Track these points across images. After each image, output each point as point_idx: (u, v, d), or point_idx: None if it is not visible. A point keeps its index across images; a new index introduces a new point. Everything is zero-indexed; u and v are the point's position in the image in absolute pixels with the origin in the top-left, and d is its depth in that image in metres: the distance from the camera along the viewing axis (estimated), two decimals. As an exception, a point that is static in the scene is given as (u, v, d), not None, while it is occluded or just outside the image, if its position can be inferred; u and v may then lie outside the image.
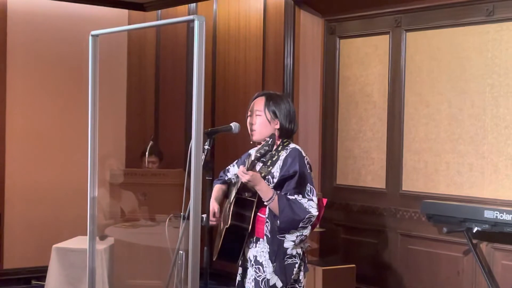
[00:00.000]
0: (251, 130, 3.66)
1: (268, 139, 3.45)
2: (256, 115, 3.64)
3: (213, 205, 3.70)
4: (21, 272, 6.83)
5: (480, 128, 5.12)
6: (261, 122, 3.62)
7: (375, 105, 5.87)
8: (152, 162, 6.68)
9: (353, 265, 5.64)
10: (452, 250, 5.24)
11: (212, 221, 3.67)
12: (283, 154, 3.57)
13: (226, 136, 5.72)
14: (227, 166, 3.93)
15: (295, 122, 3.69)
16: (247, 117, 3.69)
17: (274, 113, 3.62)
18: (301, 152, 3.57)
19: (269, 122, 3.61)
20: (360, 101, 6.00)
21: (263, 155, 3.44)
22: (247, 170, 3.44)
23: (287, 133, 3.66)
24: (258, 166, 3.59)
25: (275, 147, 3.58)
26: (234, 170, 3.82)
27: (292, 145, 3.61)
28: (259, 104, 3.65)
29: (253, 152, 3.59)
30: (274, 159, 3.57)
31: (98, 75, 3.32)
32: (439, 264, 5.34)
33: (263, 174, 3.52)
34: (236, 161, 3.88)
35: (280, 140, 3.64)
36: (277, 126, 3.62)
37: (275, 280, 3.49)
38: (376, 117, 5.85)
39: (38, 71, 6.94)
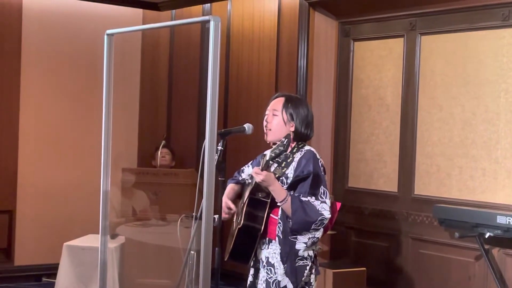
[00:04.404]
0: (266, 129, 3.66)
1: (284, 139, 3.44)
2: (273, 114, 3.65)
3: (225, 200, 3.70)
4: (32, 269, 6.85)
5: (494, 133, 5.09)
6: (277, 123, 3.63)
7: (388, 108, 5.85)
8: (166, 153, 6.77)
9: (364, 268, 5.63)
10: (463, 255, 5.22)
11: (226, 215, 3.67)
12: (297, 156, 3.57)
13: (238, 137, 5.71)
14: (241, 167, 3.93)
15: (311, 128, 3.68)
16: (264, 115, 3.69)
17: (291, 116, 3.62)
18: (315, 154, 3.57)
19: (285, 124, 3.62)
20: (373, 104, 5.98)
21: (277, 155, 3.44)
22: (262, 170, 3.45)
23: (301, 137, 3.65)
24: (273, 167, 3.60)
25: (289, 149, 3.58)
26: (249, 171, 3.82)
27: (307, 147, 3.62)
28: (277, 104, 3.66)
29: (268, 152, 3.59)
30: (288, 160, 3.57)
31: (112, 74, 3.33)
32: (450, 268, 5.31)
33: (277, 175, 3.52)
34: (251, 161, 3.89)
35: (295, 142, 3.64)
36: (292, 129, 3.63)
37: (286, 282, 3.49)
38: (389, 120, 5.84)
39: (52, 69, 6.97)
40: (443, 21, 5.44)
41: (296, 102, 3.67)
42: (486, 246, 4.83)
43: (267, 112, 3.69)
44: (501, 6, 5.04)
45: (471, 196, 5.21)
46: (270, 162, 3.50)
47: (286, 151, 3.44)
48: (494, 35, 5.10)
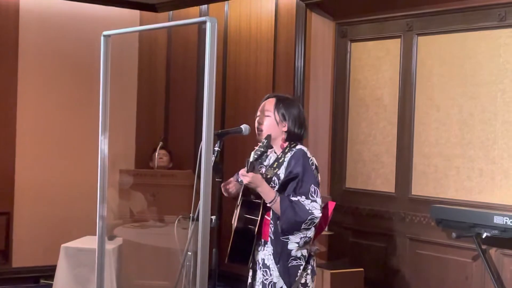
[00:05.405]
0: (258, 130, 3.66)
1: (264, 140, 3.45)
2: (266, 115, 3.64)
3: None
4: (30, 271, 6.84)
5: (491, 133, 5.10)
6: (269, 123, 3.62)
7: (386, 108, 5.86)
8: (163, 154, 6.77)
9: (361, 269, 5.63)
10: (461, 255, 5.22)
11: (226, 186, 3.70)
12: (288, 156, 3.57)
13: (235, 138, 5.71)
14: (239, 168, 3.93)
15: (304, 128, 3.67)
16: (256, 116, 3.69)
17: (283, 116, 3.62)
18: (306, 152, 3.56)
19: (277, 124, 3.62)
20: (370, 104, 5.99)
21: (260, 156, 3.44)
22: (247, 171, 3.44)
23: (294, 138, 3.64)
24: (264, 168, 3.61)
25: (281, 149, 3.59)
26: None
27: (298, 147, 3.60)
28: (269, 105, 3.66)
29: (252, 154, 3.59)
30: (280, 161, 3.58)
31: (109, 75, 3.33)
32: (448, 269, 5.32)
33: (269, 176, 3.53)
34: None
35: (288, 142, 3.64)
36: (285, 129, 3.62)
37: (282, 283, 3.48)
38: (387, 120, 5.84)
39: (49, 70, 6.97)
40: (439, 22, 5.45)
41: (287, 103, 3.66)
42: (483, 246, 4.82)
43: (258, 113, 3.69)
44: (498, 6, 5.05)
45: (468, 196, 5.22)
46: (254, 163, 3.49)
47: (266, 152, 3.45)
48: (491, 36, 5.11)
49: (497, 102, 5.07)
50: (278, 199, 3.44)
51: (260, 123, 3.65)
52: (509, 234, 4.50)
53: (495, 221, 4.54)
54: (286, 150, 3.60)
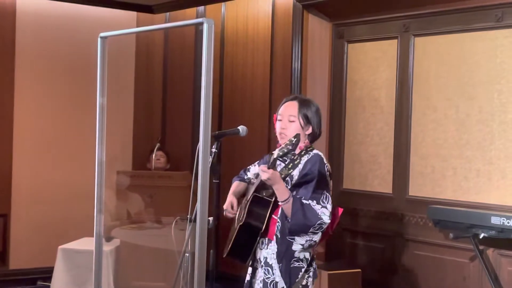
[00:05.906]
0: (282, 134, 3.64)
1: (293, 138, 3.43)
2: (290, 120, 3.63)
3: (231, 198, 3.72)
4: (27, 273, 6.83)
5: (488, 133, 5.10)
6: (295, 128, 3.61)
7: (383, 109, 5.86)
8: (161, 156, 6.77)
9: (359, 270, 5.63)
10: (458, 256, 5.23)
11: (230, 214, 3.69)
12: (304, 159, 3.58)
13: (233, 139, 5.72)
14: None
15: (321, 125, 3.71)
16: (277, 120, 3.68)
17: (308, 119, 3.62)
18: (322, 158, 3.58)
19: (302, 128, 3.62)
20: (367, 105, 5.99)
21: (285, 154, 3.44)
22: (268, 168, 3.45)
23: (315, 138, 3.68)
24: (280, 167, 3.61)
25: (298, 151, 3.59)
26: (255, 170, 3.84)
27: (315, 151, 3.64)
28: (292, 109, 3.65)
29: (276, 151, 3.59)
30: (295, 162, 3.59)
31: (106, 77, 3.32)
32: (445, 269, 5.32)
33: (282, 176, 3.53)
34: (258, 161, 3.90)
35: (304, 145, 3.64)
36: (308, 132, 3.64)
37: (283, 283, 3.50)
38: (384, 121, 5.85)
39: (46, 71, 6.96)
40: (436, 23, 5.45)
41: (308, 104, 3.67)
42: (481, 247, 4.83)
43: (279, 118, 3.67)
44: (495, 7, 5.06)
45: (466, 197, 5.22)
46: (277, 159, 3.50)
47: (294, 150, 3.45)
48: (488, 36, 5.12)
49: (494, 102, 5.07)
50: (291, 199, 3.46)
51: (283, 128, 3.64)
52: (506, 235, 4.51)
53: (492, 222, 4.55)
54: (303, 153, 3.62)
